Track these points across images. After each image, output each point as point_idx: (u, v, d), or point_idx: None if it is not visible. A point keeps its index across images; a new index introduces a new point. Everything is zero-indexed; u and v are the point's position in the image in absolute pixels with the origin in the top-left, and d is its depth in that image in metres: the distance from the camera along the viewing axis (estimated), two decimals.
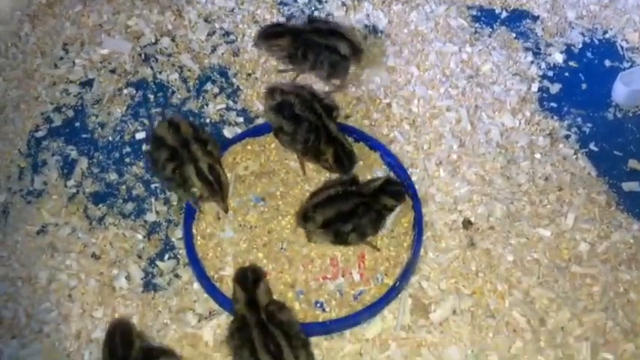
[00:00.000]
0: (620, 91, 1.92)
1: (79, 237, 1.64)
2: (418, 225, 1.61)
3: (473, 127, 1.85)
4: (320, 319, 1.51)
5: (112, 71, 1.96)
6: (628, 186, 1.78)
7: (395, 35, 2.05)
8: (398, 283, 1.54)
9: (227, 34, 2.05)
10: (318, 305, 1.54)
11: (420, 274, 1.59)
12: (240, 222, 1.65)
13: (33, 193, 1.73)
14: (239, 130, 1.83)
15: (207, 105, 1.89)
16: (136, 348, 1.38)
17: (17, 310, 1.53)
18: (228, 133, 1.84)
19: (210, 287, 1.55)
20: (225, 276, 1.57)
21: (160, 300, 1.56)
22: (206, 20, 2.08)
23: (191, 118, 1.84)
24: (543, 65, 2.02)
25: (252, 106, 1.89)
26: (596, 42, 2.09)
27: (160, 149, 1.63)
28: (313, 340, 1.47)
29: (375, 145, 1.77)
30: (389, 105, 1.89)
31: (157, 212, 1.69)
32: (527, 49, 2.05)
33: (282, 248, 1.61)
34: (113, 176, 1.76)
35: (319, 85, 1.89)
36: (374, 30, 2.07)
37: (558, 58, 2.03)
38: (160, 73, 1.96)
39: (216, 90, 1.93)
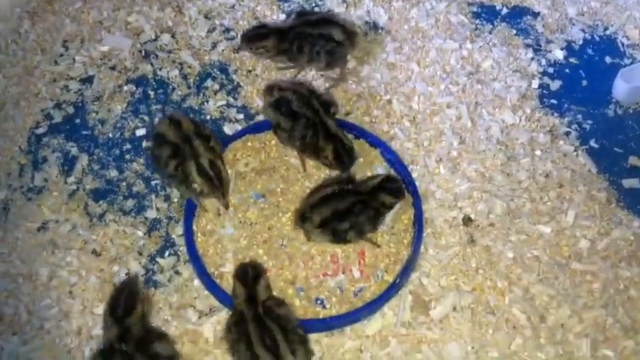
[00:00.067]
0: (620, 87, 1.92)
1: (80, 234, 1.65)
2: (418, 222, 1.61)
3: (473, 123, 1.85)
4: (320, 316, 1.51)
5: (112, 68, 1.95)
6: (628, 183, 1.78)
7: (395, 32, 2.05)
8: (398, 279, 1.54)
9: (227, 30, 2.05)
10: (319, 302, 1.54)
11: (420, 270, 1.59)
12: (241, 219, 1.65)
13: (33, 189, 1.73)
14: (239, 127, 1.83)
15: (207, 102, 1.89)
16: (138, 313, 1.38)
17: (18, 307, 1.53)
18: (228, 129, 1.84)
19: (210, 284, 1.55)
20: (226, 273, 1.57)
21: (160, 297, 1.56)
22: (206, 17, 2.08)
23: (191, 114, 1.84)
24: (544, 62, 2.02)
25: (252, 102, 1.89)
26: (597, 39, 2.09)
27: (161, 146, 1.63)
28: (313, 336, 1.47)
29: (375, 141, 1.77)
30: (389, 102, 1.89)
31: (158, 209, 1.70)
32: (527, 46, 2.05)
33: (282, 245, 1.61)
34: (113, 173, 1.76)
35: (319, 82, 1.89)
36: (374, 26, 2.07)
37: (559, 54, 2.03)
38: (160, 69, 1.96)
39: (216, 87, 1.93)
